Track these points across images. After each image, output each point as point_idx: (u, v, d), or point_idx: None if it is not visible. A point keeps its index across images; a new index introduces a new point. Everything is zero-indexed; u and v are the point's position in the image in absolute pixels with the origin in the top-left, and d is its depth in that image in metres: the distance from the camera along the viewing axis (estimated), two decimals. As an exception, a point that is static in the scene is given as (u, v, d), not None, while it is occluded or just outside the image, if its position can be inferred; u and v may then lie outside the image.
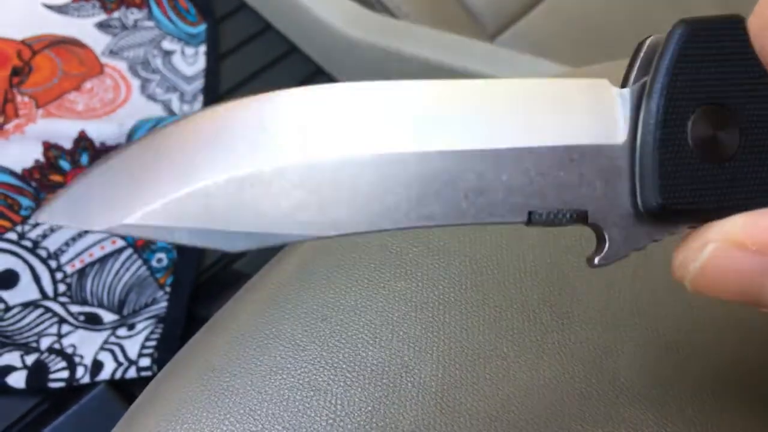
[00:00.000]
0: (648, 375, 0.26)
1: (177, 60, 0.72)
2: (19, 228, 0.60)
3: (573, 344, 0.27)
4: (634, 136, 0.18)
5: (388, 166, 0.17)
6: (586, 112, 0.18)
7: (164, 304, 0.59)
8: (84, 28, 0.72)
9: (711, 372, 0.26)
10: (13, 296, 0.57)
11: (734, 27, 0.18)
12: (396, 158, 0.17)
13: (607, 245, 0.18)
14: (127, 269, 0.60)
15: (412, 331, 0.27)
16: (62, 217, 0.16)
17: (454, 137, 0.18)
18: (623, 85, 0.19)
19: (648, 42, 0.18)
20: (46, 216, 0.16)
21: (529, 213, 0.18)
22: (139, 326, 0.58)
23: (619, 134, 0.18)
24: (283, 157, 0.17)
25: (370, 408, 0.26)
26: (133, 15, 0.73)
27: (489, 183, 0.18)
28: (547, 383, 0.26)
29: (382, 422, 0.25)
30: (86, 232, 0.61)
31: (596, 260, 0.19)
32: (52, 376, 0.55)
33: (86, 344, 0.56)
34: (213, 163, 0.16)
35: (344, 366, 0.27)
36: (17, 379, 0.54)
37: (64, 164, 0.63)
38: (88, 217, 0.16)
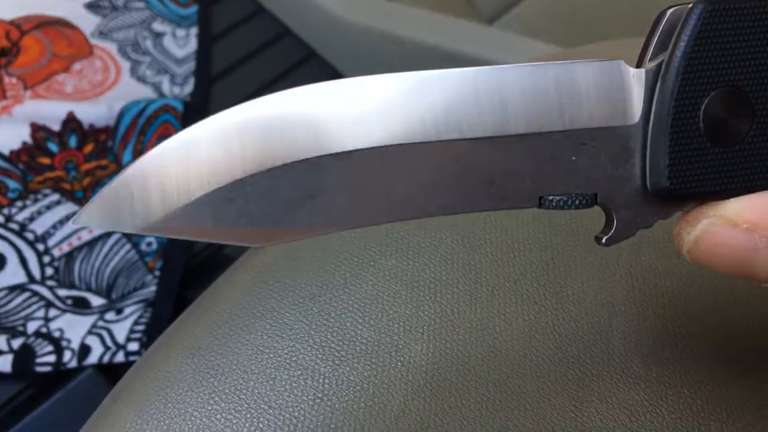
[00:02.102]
0: (643, 355, 0.26)
1: (168, 42, 0.71)
2: (6, 211, 0.59)
3: (566, 323, 0.26)
4: (647, 117, 0.18)
5: (399, 157, 0.17)
6: (600, 94, 0.18)
7: (153, 288, 0.59)
8: (73, 9, 0.70)
9: (708, 351, 0.26)
10: (-1, 279, 0.56)
11: (755, 7, 0.18)
12: (406, 149, 0.17)
13: (615, 225, 0.19)
14: (116, 253, 0.60)
15: (402, 310, 0.27)
16: (95, 220, 0.17)
17: (465, 126, 0.18)
18: (640, 61, 0.18)
19: (668, 15, 0.18)
20: (83, 220, 0.17)
21: (540, 198, 0.18)
22: (128, 310, 0.57)
23: (633, 115, 0.18)
24: (293, 153, 0.17)
25: (358, 387, 0.25)
26: (124, -5, 0.72)
27: (500, 170, 0.18)
28: (539, 363, 0.26)
29: (371, 401, 0.25)
30: (73, 214, 0.60)
31: (604, 239, 0.19)
32: (38, 360, 0.54)
33: (74, 328, 0.56)
34: (218, 165, 0.17)
35: (332, 345, 0.26)
36: (3, 363, 0.53)
37: (52, 146, 0.62)
38: (118, 220, 0.17)
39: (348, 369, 0.26)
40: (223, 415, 0.25)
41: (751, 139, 0.18)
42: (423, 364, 0.26)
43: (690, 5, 0.18)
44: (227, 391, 0.26)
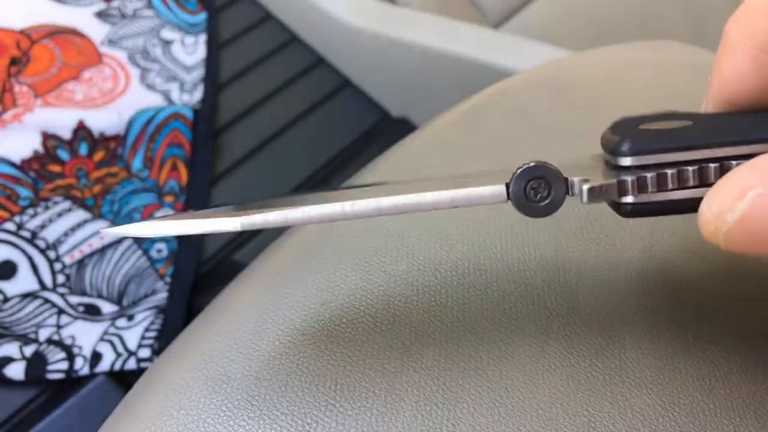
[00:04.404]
0: (655, 359, 0.26)
1: (177, 49, 0.72)
2: (17, 218, 0.59)
3: (578, 328, 0.26)
4: None
5: None
6: None
7: (164, 294, 0.59)
8: (83, 18, 0.71)
9: (722, 355, 0.26)
10: (11, 287, 0.57)
11: None
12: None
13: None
14: (127, 260, 0.60)
15: (413, 315, 0.27)
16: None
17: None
18: None
19: None
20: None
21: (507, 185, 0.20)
22: (139, 317, 0.57)
23: None
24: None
25: (370, 393, 0.25)
26: (132, 4, 0.73)
27: None
28: (551, 368, 0.25)
29: (383, 407, 0.25)
30: (84, 222, 0.60)
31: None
32: (50, 367, 0.54)
33: (85, 335, 0.56)
34: None
35: (344, 351, 0.26)
36: (16, 371, 0.54)
37: (63, 154, 0.63)
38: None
39: (360, 375, 0.26)
40: (236, 422, 0.25)
41: None
42: (435, 369, 0.26)
43: None
44: (239, 398, 0.26)
